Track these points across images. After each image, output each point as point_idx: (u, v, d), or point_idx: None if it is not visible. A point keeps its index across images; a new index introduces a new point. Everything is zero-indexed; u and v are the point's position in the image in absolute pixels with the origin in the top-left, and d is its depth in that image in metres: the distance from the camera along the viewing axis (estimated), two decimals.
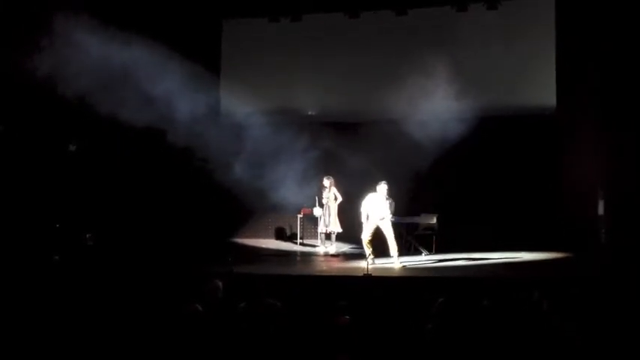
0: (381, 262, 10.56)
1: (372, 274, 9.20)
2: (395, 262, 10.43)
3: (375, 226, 10.56)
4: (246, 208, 13.35)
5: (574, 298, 7.18)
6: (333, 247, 12.35)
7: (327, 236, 12.48)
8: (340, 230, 12.33)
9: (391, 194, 10.85)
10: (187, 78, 12.22)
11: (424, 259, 11.17)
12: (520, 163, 12.66)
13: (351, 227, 11.79)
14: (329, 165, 12.60)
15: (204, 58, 13.00)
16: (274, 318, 6.20)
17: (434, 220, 12.01)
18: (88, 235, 12.15)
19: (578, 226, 11.93)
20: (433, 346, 5.48)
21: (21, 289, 8.01)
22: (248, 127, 13.08)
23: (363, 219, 10.61)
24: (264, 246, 13.42)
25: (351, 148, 12.49)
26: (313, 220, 12.99)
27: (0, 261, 9.76)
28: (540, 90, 12.66)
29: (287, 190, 12.48)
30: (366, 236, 10.58)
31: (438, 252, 11.59)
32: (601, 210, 12.06)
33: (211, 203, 13.78)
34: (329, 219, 12.29)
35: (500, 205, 12.56)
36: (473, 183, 12.74)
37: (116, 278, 9.06)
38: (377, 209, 10.53)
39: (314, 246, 12.95)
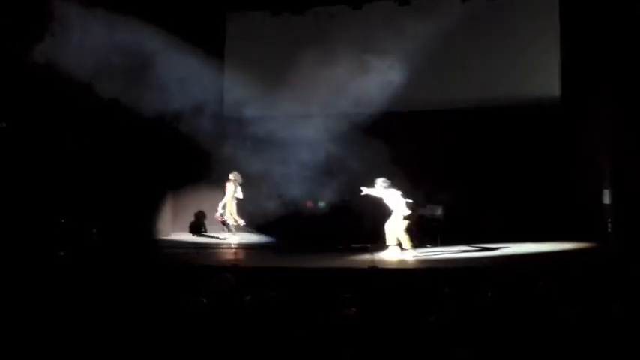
0: (387, 253, 10.59)
1: (378, 266, 9.20)
2: (407, 254, 10.49)
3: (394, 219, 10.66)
4: (248, 200, 13.30)
5: (580, 286, 7.17)
6: (236, 238, 12.77)
7: (231, 227, 12.87)
8: (234, 224, 12.80)
9: (395, 186, 10.86)
10: (191, 70, 12.25)
11: (429, 251, 11.16)
12: (525, 154, 12.61)
13: None
14: (332, 158, 12.54)
15: (208, 50, 12.98)
16: (280, 311, 6.20)
17: (439, 212, 11.99)
18: (94, 231, 12.15)
19: (584, 215, 11.90)
20: (438, 337, 5.47)
21: (27, 285, 8.03)
22: (252, 119, 13.07)
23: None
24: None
25: (354, 141, 12.47)
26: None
27: (6, 257, 9.78)
28: (545, 80, 12.60)
29: (291, 184, 12.49)
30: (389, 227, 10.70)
31: (443, 243, 11.57)
32: (607, 199, 12.01)
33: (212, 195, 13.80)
34: (233, 211, 12.74)
35: (506, 195, 12.53)
36: (478, 174, 12.70)
37: (121, 273, 9.08)
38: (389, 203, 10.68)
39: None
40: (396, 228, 10.64)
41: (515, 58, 12.67)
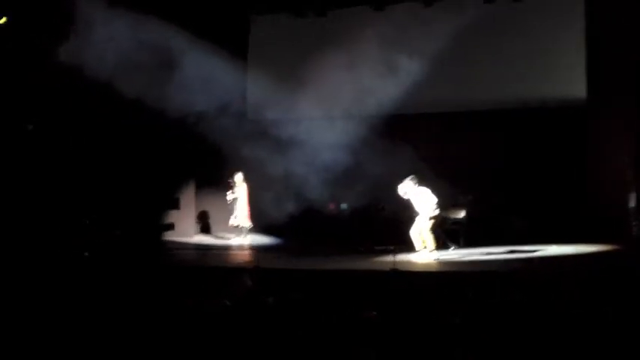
0: (410, 256, 10.57)
1: (399, 269, 9.15)
2: (431, 256, 10.54)
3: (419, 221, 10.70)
4: (272, 203, 13.32)
5: (605, 289, 7.08)
6: (247, 240, 12.87)
7: (242, 229, 12.94)
8: (249, 225, 12.90)
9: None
10: (214, 72, 12.33)
11: (452, 254, 11.10)
12: (549, 155, 12.48)
13: None
14: (355, 160, 12.50)
15: (232, 52, 13.05)
16: (303, 313, 6.20)
17: (462, 215, 11.91)
18: (117, 232, 12.27)
19: (610, 218, 11.75)
20: (461, 341, 5.43)
21: (52, 284, 8.13)
22: (274, 121, 13.11)
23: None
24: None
25: (375, 143, 12.44)
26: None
27: (31, 257, 9.92)
28: (570, 81, 12.47)
29: (313, 186, 12.48)
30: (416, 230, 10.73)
31: (466, 246, 11.50)
32: (633, 202, 11.85)
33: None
34: (237, 213, 12.81)
35: (530, 197, 12.41)
36: (501, 176, 12.59)
37: (144, 274, 9.15)
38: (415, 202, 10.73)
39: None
40: (421, 228, 10.61)
41: (539, 59, 12.53)
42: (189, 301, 6.82)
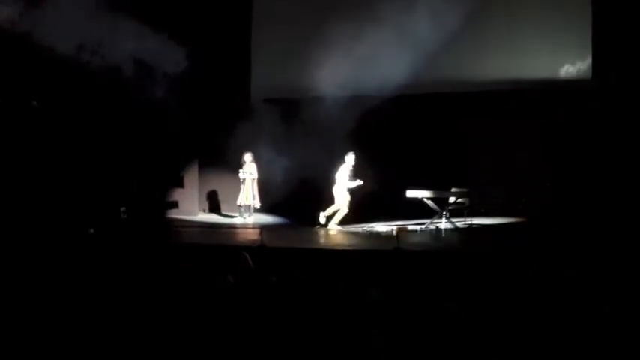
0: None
1: (403, 247, 9.18)
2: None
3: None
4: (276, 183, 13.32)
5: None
6: (251, 219, 12.98)
7: (247, 208, 13.02)
8: (259, 205, 13.03)
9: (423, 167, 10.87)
10: (218, 52, 12.28)
11: (456, 230, 11.17)
12: (556, 136, 12.45)
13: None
14: (358, 142, 12.45)
15: (235, 31, 12.99)
16: (305, 291, 6.24)
17: (465, 196, 11.92)
18: (122, 209, 12.32)
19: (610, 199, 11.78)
20: (462, 321, 5.47)
21: (57, 261, 8.19)
22: (279, 100, 13.09)
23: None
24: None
25: (383, 122, 12.41)
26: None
27: (37, 234, 9.98)
28: (576, 60, 12.40)
29: (310, 169, 12.46)
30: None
31: (470, 225, 11.55)
32: None
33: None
34: (249, 193, 12.89)
35: (539, 179, 12.40)
36: (510, 158, 12.55)
37: (148, 251, 9.21)
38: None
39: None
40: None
41: (545, 38, 12.45)
42: (192, 277, 6.87)
